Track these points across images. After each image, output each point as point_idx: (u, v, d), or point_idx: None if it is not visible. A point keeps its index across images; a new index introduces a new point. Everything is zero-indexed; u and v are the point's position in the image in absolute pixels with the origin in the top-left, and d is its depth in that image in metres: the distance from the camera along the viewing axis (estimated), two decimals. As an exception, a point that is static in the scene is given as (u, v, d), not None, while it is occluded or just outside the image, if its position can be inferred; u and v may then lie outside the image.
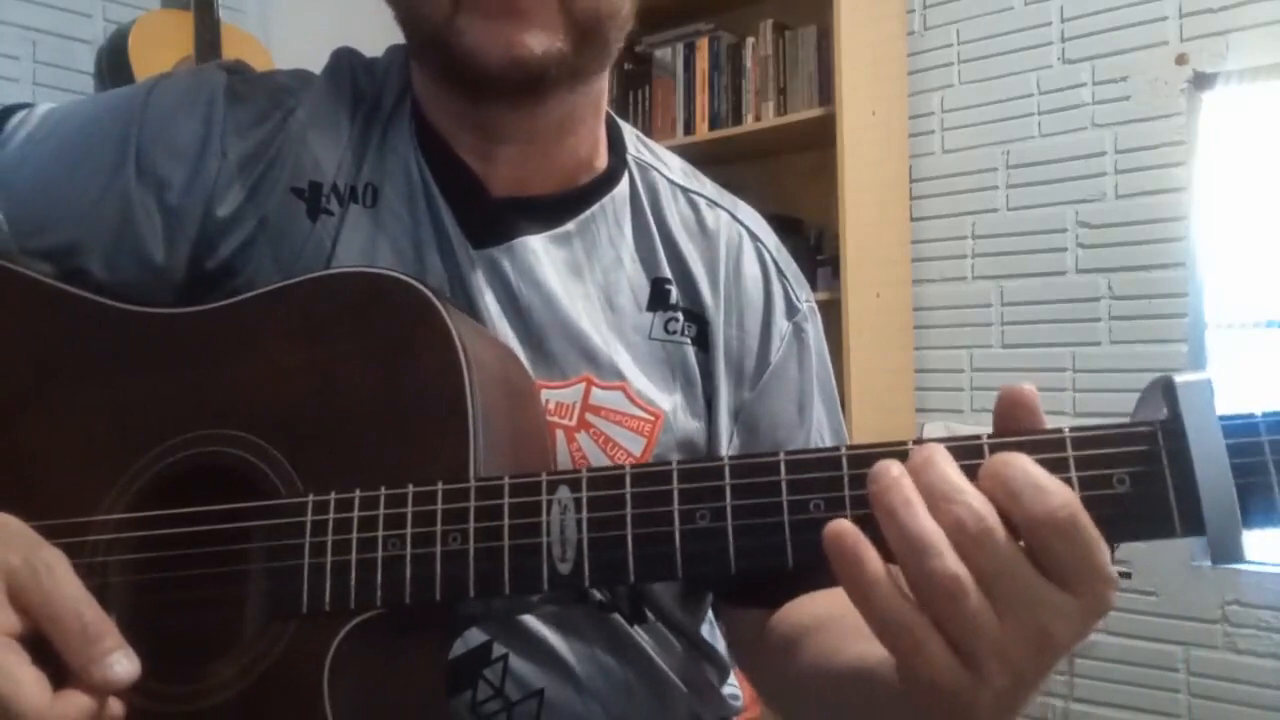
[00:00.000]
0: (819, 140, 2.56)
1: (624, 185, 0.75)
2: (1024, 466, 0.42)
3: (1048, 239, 2.52)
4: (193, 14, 2.19)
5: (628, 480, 0.50)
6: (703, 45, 2.83)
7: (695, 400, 0.72)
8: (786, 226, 2.62)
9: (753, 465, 0.48)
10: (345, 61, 0.74)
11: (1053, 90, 2.51)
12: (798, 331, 0.77)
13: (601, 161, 0.75)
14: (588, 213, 0.73)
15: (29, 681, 0.46)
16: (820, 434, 0.77)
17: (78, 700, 0.46)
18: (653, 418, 0.70)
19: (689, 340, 0.73)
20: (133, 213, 0.66)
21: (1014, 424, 0.47)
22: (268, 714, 0.53)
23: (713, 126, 2.79)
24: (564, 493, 0.50)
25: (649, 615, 0.71)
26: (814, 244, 2.73)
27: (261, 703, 0.53)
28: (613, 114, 0.78)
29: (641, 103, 2.92)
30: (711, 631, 0.79)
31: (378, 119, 0.72)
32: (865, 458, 0.46)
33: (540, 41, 0.62)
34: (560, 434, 0.67)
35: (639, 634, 0.70)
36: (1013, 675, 0.42)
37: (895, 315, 2.65)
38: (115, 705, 0.48)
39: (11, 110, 0.72)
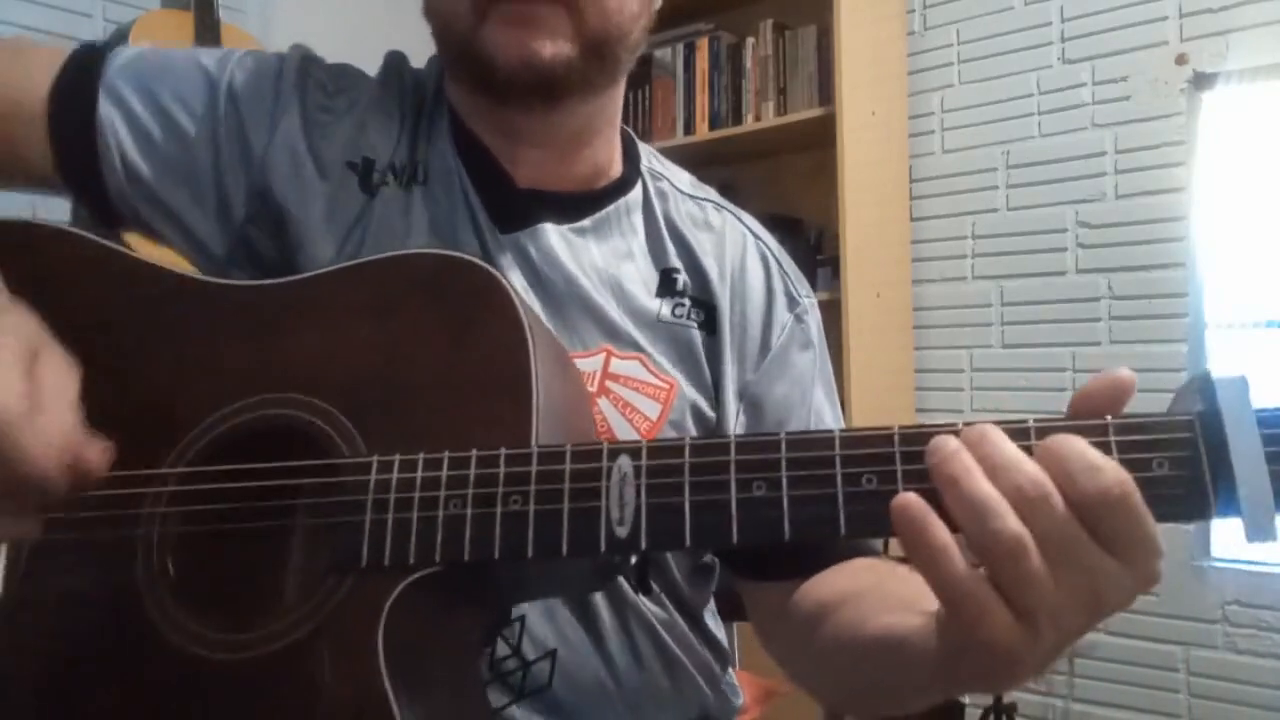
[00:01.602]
0: (819, 140, 2.56)
1: (637, 190, 0.82)
2: (1078, 446, 0.45)
3: (1048, 239, 2.52)
4: (193, 14, 2.19)
5: (687, 451, 0.52)
6: (703, 45, 2.83)
7: (701, 378, 0.77)
8: (786, 226, 2.62)
9: (808, 440, 0.51)
10: (398, 64, 0.83)
11: (1053, 90, 2.51)
12: (799, 322, 0.82)
13: (617, 170, 0.82)
14: (603, 212, 0.79)
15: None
16: (820, 420, 0.81)
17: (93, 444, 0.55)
18: (667, 385, 0.75)
19: (695, 324, 0.78)
20: (216, 140, 0.75)
21: (1093, 406, 0.49)
22: (322, 663, 0.54)
23: (713, 126, 2.79)
24: (624, 461, 0.53)
25: (653, 587, 0.75)
26: (814, 244, 2.73)
27: (316, 652, 0.54)
28: (629, 130, 0.85)
29: (641, 103, 2.92)
30: (715, 622, 0.82)
31: (424, 114, 0.80)
32: (916, 435, 0.49)
33: (551, 47, 0.69)
34: None
35: (645, 605, 0.74)
36: (1060, 634, 0.45)
37: (895, 315, 2.65)
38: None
39: (112, 42, 0.79)
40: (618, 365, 0.74)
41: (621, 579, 0.72)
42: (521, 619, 0.68)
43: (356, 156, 0.75)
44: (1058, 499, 0.44)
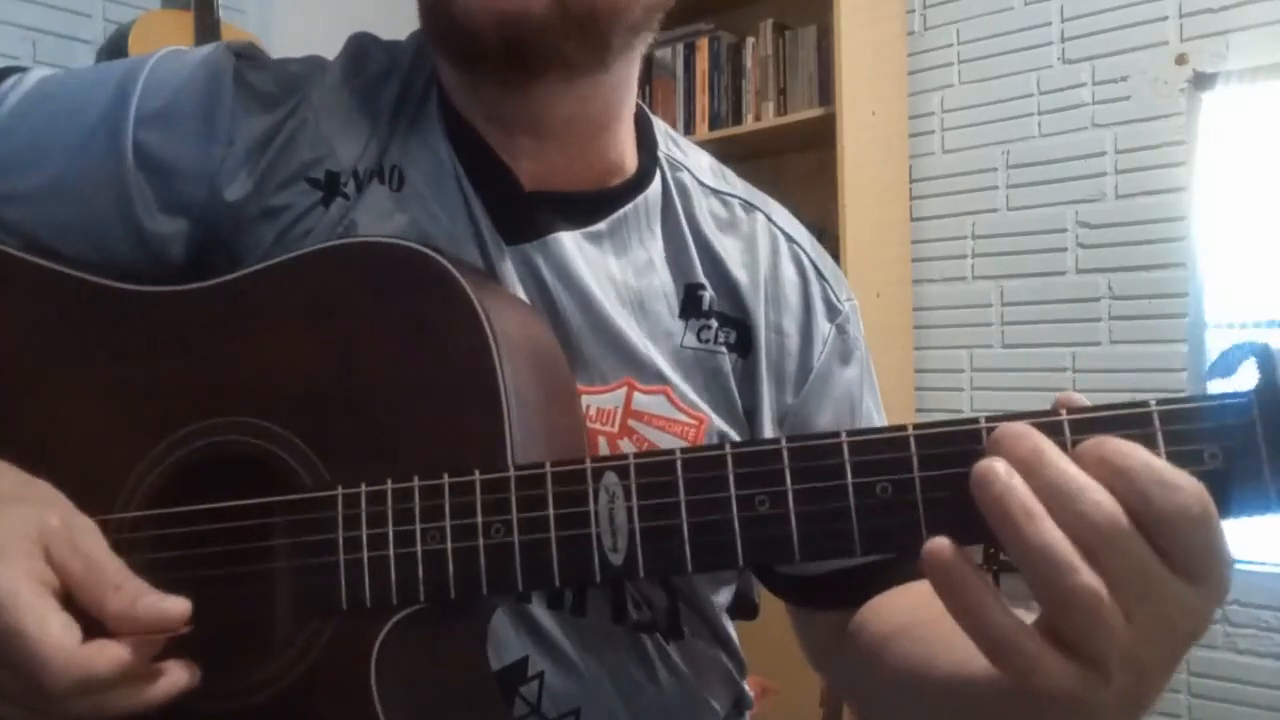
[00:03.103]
0: (819, 140, 2.56)
1: (655, 186, 0.73)
2: (1146, 460, 0.40)
3: (1048, 239, 2.51)
4: (193, 14, 2.19)
5: (679, 466, 0.47)
6: (703, 45, 2.83)
7: (732, 407, 0.70)
8: (786, 226, 2.61)
9: (813, 447, 0.45)
10: (362, 46, 0.72)
11: (1053, 90, 2.51)
12: (841, 333, 0.75)
13: (632, 164, 0.73)
14: (619, 213, 0.70)
15: (58, 624, 0.46)
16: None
17: (107, 648, 0.46)
18: (696, 422, 0.68)
19: (725, 348, 0.70)
20: (128, 191, 0.64)
21: None
22: (313, 712, 0.52)
23: (713, 126, 2.79)
24: (610, 479, 0.48)
25: (685, 631, 0.70)
26: (814, 244, 2.73)
27: (306, 701, 0.51)
28: (644, 107, 0.76)
29: (641, 103, 2.92)
30: (731, 627, 0.78)
31: (405, 105, 0.70)
32: (935, 437, 0.44)
33: (520, 3, 0.59)
34: (603, 440, 0.65)
35: (674, 651, 0.69)
36: (1137, 673, 0.41)
37: (895, 315, 2.65)
38: (144, 661, 0.48)
39: (6, 72, 0.69)
40: (641, 401, 0.66)
41: (649, 635, 0.68)
42: (540, 676, 0.63)
43: (318, 171, 0.65)
44: (1130, 531, 0.39)
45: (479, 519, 0.49)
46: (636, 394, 0.67)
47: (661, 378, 0.67)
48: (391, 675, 0.51)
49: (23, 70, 0.69)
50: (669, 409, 0.67)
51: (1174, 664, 0.42)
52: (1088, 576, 0.39)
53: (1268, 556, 2.23)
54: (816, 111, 2.57)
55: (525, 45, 0.60)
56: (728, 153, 2.84)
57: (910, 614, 0.65)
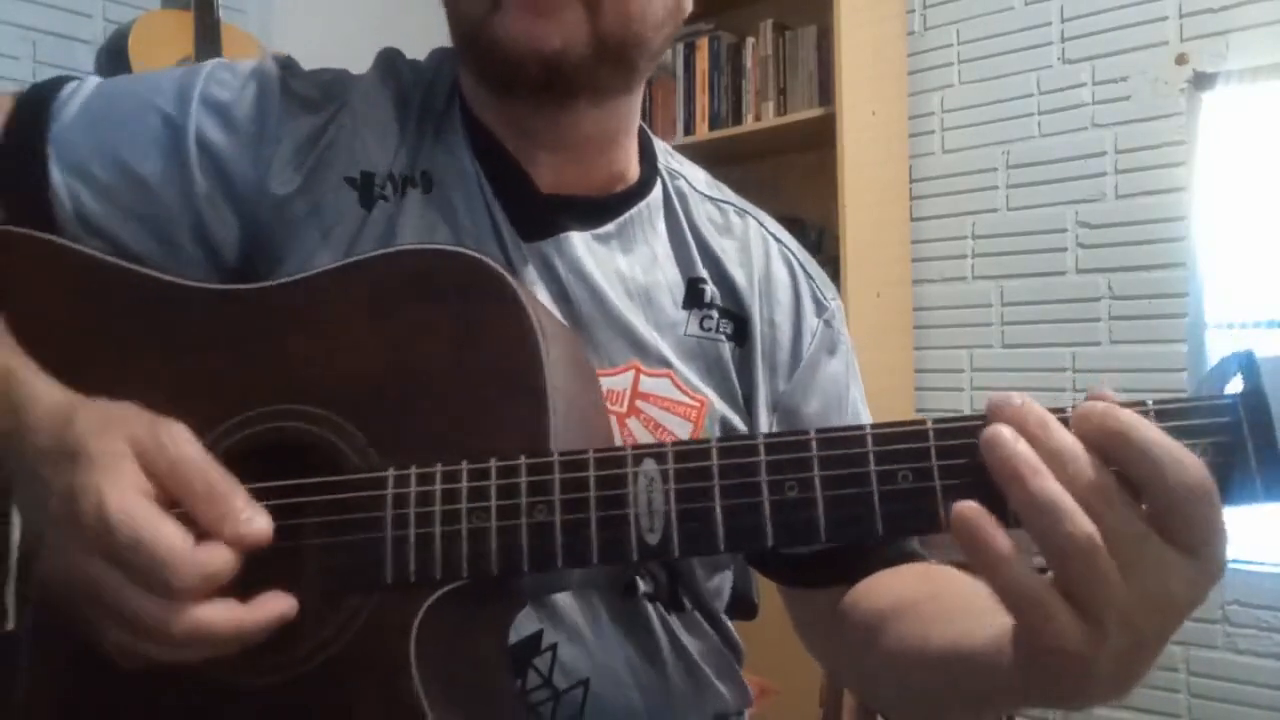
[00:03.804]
0: (819, 140, 2.56)
1: (657, 191, 0.79)
2: (1159, 436, 0.44)
3: (1048, 239, 2.52)
4: (193, 14, 2.19)
5: (714, 453, 0.51)
6: (703, 45, 2.83)
7: (731, 392, 0.75)
8: (786, 227, 2.60)
9: (839, 438, 0.49)
10: (392, 60, 0.78)
11: (1053, 90, 2.51)
12: (827, 327, 0.80)
13: (635, 173, 0.79)
14: (625, 216, 0.76)
15: (170, 529, 0.47)
16: (859, 420, 0.80)
17: (218, 550, 0.48)
18: (698, 404, 0.73)
19: (724, 337, 0.76)
20: (191, 178, 0.69)
21: None
22: (355, 683, 0.53)
23: (713, 126, 2.79)
24: (649, 465, 0.51)
25: (686, 604, 0.74)
26: (814, 244, 2.72)
27: (345, 674, 0.53)
28: (644, 126, 0.83)
29: (642, 103, 2.92)
30: (728, 618, 0.82)
31: (430, 115, 0.75)
32: (952, 430, 0.47)
33: (560, 39, 0.66)
34: (612, 420, 0.69)
35: (676, 623, 0.73)
36: (1132, 636, 0.44)
37: (895, 315, 2.65)
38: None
39: (62, 80, 0.73)
40: (647, 383, 0.71)
41: (653, 604, 0.71)
42: (553, 648, 0.67)
43: (354, 171, 0.71)
44: (1124, 495, 0.43)
45: (523, 500, 0.52)
46: (643, 377, 0.72)
47: (665, 362, 0.73)
48: (429, 650, 0.53)
49: (78, 78, 0.74)
50: (673, 391, 0.72)
51: (1167, 635, 0.46)
52: (1084, 523, 0.43)
53: (1267, 556, 2.23)
54: (816, 111, 2.57)
55: (563, 76, 0.67)
56: (728, 153, 2.84)
57: (903, 592, 0.69)
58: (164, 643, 0.48)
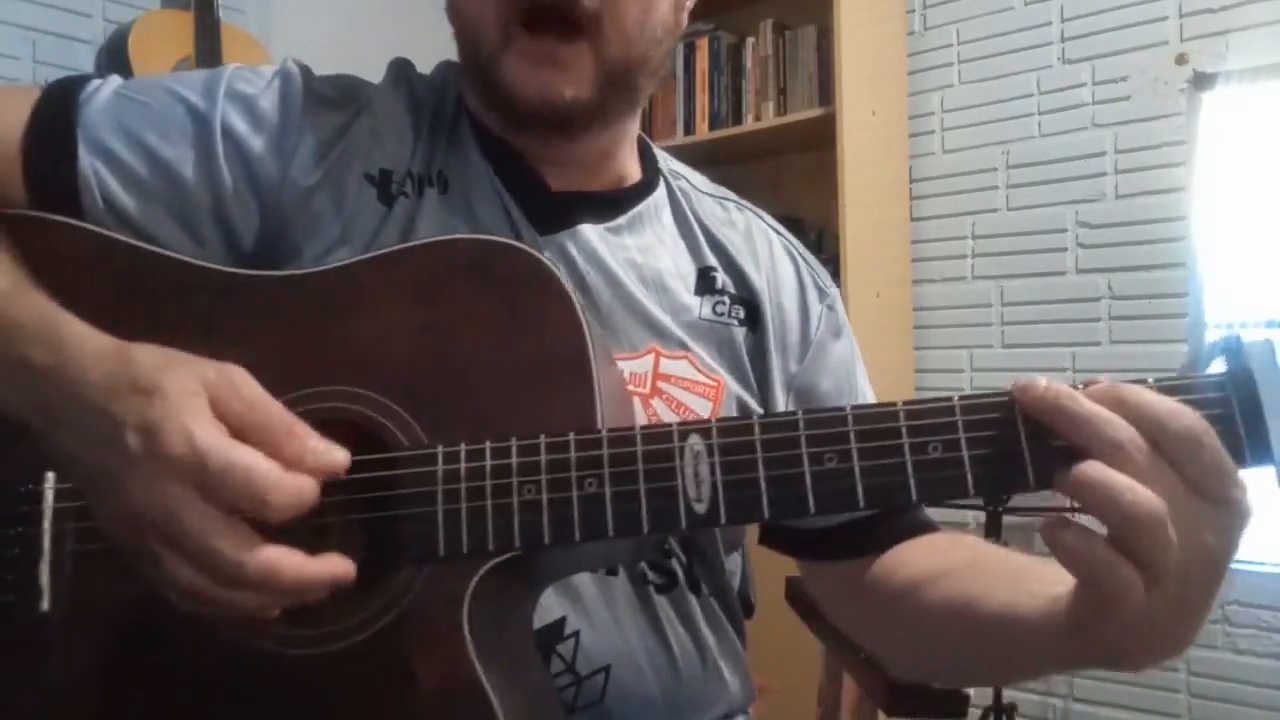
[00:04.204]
0: (819, 140, 2.56)
1: (661, 190, 0.83)
2: (1151, 395, 0.49)
3: (1048, 239, 2.52)
4: (193, 14, 2.19)
5: (756, 429, 0.54)
6: (702, 45, 2.82)
7: (744, 375, 0.79)
8: (786, 226, 2.61)
9: (873, 414, 0.53)
10: (405, 70, 0.81)
11: (1053, 90, 2.51)
12: (830, 310, 0.85)
13: (637, 173, 0.83)
14: (635, 210, 0.80)
15: (260, 456, 0.49)
16: (866, 400, 0.84)
17: (305, 479, 0.49)
18: (715, 383, 0.76)
19: (736, 322, 0.79)
20: (217, 164, 0.70)
21: None
22: (409, 652, 0.55)
23: (713, 126, 2.79)
24: (695, 440, 0.54)
25: (703, 587, 0.76)
26: (814, 244, 2.72)
27: (401, 641, 0.55)
28: (643, 134, 0.87)
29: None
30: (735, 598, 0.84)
31: (441, 122, 0.78)
32: (976, 406, 0.52)
33: (572, 90, 0.70)
34: (636, 401, 0.73)
35: (694, 612, 0.75)
36: (1183, 587, 0.47)
37: (895, 315, 2.65)
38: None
39: (85, 78, 0.74)
40: (667, 365, 0.75)
41: (671, 593, 0.74)
42: (576, 634, 0.69)
43: (374, 169, 0.73)
44: (1157, 450, 0.47)
45: (573, 473, 0.55)
46: (663, 359, 0.75)
47: (683, 345, 0.76)
48: (478, 619, 0.55)
49: (100, 76, 0.75)
50: (692, 371, 0.76)
51: (1214, 587, 0.49)
52: (1144, 493, 0.46)
53: (1267, 556, 2.23)
54: (816, 111, 2.57)
55: (574, 120, 0.72)
56: (728, 153, 2.84)
57: (940, 559, 0.72)
58: (234, 581, 0.48)
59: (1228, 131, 2.35)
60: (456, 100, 0.80)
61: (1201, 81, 2.34)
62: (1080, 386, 0.50)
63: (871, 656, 0.89)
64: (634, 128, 0.83)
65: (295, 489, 0.48)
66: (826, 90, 2.57)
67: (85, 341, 0.54)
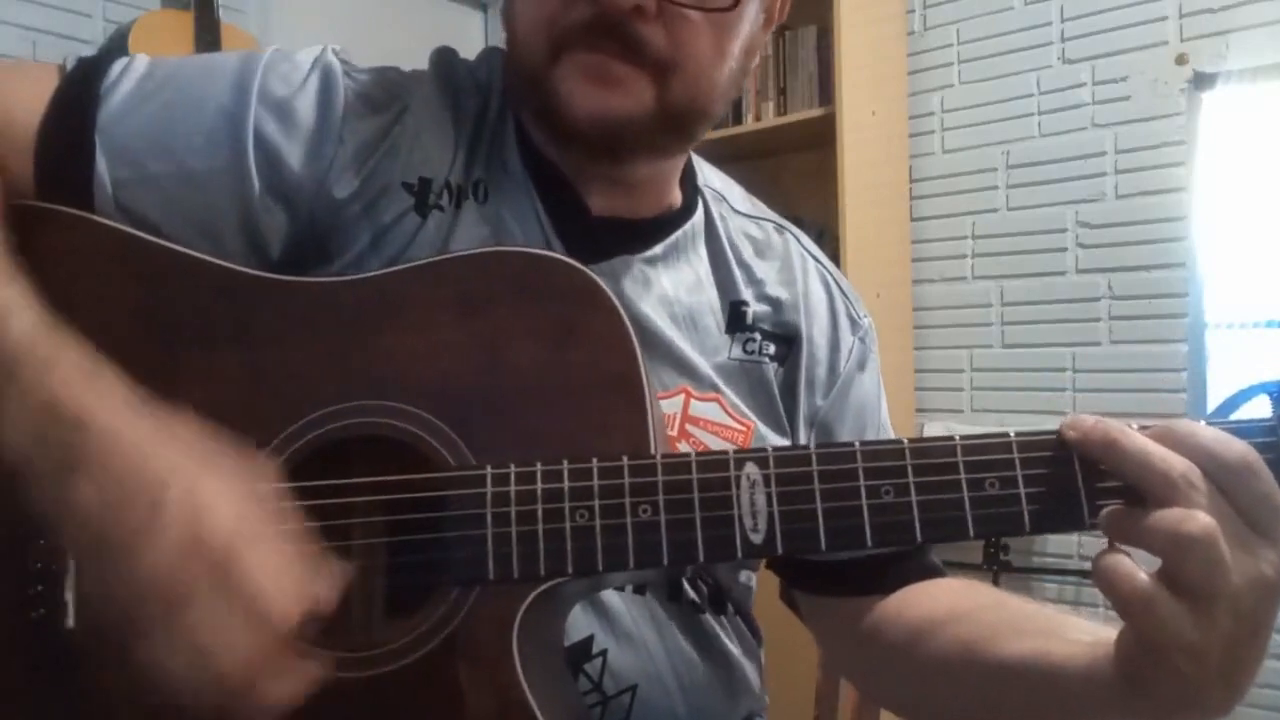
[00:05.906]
0: (819, 140, 2.56)
1: (699, 214, 0.80)
2: (1201, 426, 0.49)
3: (1048, 239, 2.51)
4: (193, 14, 2.19)
5: (814, 459, 0.54)
6: (703, 45, 2.82)
7: (775, 414, 0.77)
8: (786, 226, 2.62)
9: (930, 448, 0.53)
10: (448, 61, 0.77)
11: (1053, 90, 2.51)
12: (862, 344, 0.82)
13: (678, 198, 0.79)
14: (672, 238, 0.77)
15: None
16: (886, 435, 0.82)
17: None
18: (745, 428, 0.74)
19: (767, 359, 0.77)
20: (247, 171, 0.66)
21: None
22: (458, 675, 0.54)
23: (713, 126, 2.78)
24: (751, 469, 0.54)
25: (729, 607, 0.75)
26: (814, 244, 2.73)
27: (450, 664, 0.54)
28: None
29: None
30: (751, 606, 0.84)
31: (485, 123, 0.74)
32: (1032, 443, 0.52)
33: (626, 109, 0.66)
34: None
35: (719, 628, 0.74)
36: (1238, 621, 0.47)
37: (895, 315, 2.65)
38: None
39: (107, 58, 0.69)
40: (696, 408, 0.73)
41: (699, 613, 0.73)
42: (604, 653, 0.67)
43: (413, 177, 0.69)
44: (1209, 481, 0.47)
45: (627, 499, 0.53)
46: (693, 401, 0.73)
47: (714, 386, 0.74)
48: (527, 642, 0.54)
49: (125, 55, 0.70)
50: (722, 415, 0.73)
51: (1268, 621, 0.48)
52: (1202, 514, 0.46)
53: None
54: (816, 111, 2.57)
55: (624, 142, 0.68)
56: (728, 153, 2.84)
57: (954, 601, 0.70)
58: (215, 682, 0.47)
59: (1228, 131, 2.34)
60: (502, 99, 0.75)
61: (1201, 81, 2.34)
62: (1134, 426, 0.50)
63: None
64: (683, 160, 0.79)
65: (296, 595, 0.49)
66: (826, 90, 2.56)
67: (121, 400, 0.52)
